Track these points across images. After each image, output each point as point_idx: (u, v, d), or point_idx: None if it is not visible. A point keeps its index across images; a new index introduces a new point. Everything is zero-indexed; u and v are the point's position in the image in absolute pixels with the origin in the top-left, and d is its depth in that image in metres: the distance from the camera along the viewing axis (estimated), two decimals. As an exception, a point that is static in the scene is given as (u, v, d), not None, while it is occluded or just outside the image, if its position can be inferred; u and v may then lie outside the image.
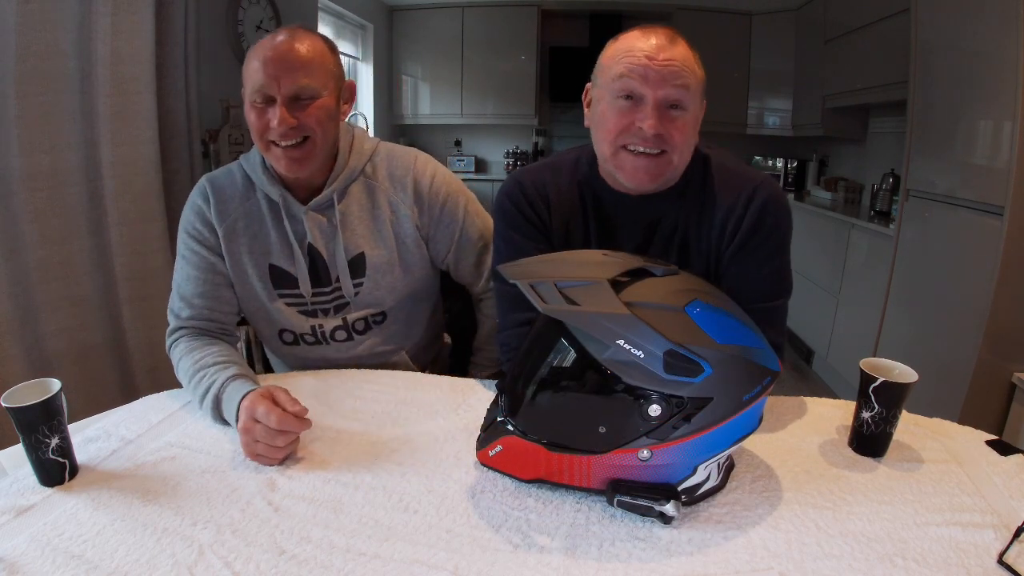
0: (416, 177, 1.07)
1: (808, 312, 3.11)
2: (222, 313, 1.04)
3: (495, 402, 0.75)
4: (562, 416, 0.69)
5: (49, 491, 0.70)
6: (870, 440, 0.79)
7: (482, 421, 0.76)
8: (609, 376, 0.64)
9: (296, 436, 0.78)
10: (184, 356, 0.95)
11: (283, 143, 0.94)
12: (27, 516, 0.66)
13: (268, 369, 1.28)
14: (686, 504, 0.68)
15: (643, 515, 0.66)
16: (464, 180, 1.15)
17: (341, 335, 1.09)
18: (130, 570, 0.58)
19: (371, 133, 1.13)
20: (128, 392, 1.79)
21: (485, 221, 1.13)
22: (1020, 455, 0.79)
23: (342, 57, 1.14)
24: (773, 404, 0.92)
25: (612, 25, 4.55)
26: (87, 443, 0.80)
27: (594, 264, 0.69)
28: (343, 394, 0.96)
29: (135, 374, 1.82)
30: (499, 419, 0.72)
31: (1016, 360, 1.73)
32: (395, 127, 4.97)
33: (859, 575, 0.58)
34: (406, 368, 1.14)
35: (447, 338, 1.34)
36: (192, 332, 1.01)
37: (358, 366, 1.09)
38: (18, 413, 0.68)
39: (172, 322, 1.03)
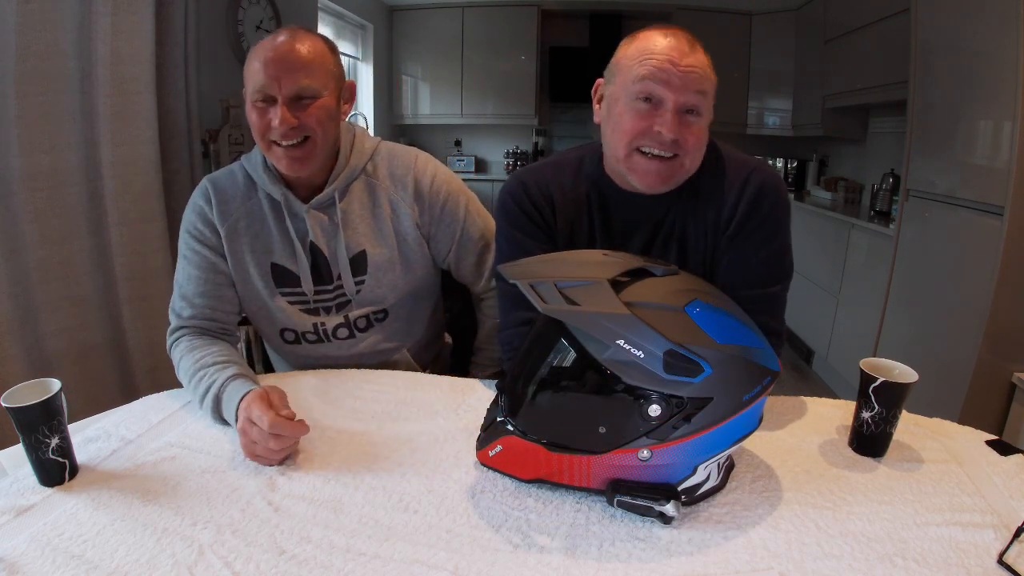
0: (417, 176, 1.07)
1: (808, 312, 3.11)
2: (223, 313, 1.04)
3: (495, 402, 0.75)
4: (562, 416, 0.69)
5: (49, 491, 0.70)
6: (870, 440, 0.79)
7: (482, 421, 0.76)
8: (609, 376, 0.64)
9: (293, 439, 0.78)
10: (185, 355, 0.95)
11: (284, 143, 0.95)
12: (27, 516, 0.66)
13: (268, 369, 1.28)
14: (686, 504, 0.68)
15: (643, 515, 0.66)
16: (464, 180, 1.16)
17: (343, 333, 1.09)
18: (130, 570, 0.58)
19: (371, 133, 1.13)
20: (128, 392, 1.79)
21: (486, 220, 1.14)
22: (1020, 455, 0.79)
23: (342, 57, 1.14)
24: (773, 404, 0.92)
25: (612, 25, 4.55)
26: (87, 443, 0.80)
27: (594, 264, 0.69)
28: (343, 394, 0.96)
29: (135, 374, 1.82)
30: (499, 419, 0.72)
31: (1016, 360, 1.73)
32: (395, 127, 4.97)
33: (859, 575, 0.58)
34: (408, 366, 1.14)
35: (447, 338, 1.34)
36: (193, 332, 1.01)
37: (360, 364, 1.09)
38: (18, 413, 0.68)
39: (173, 321, 1.03)
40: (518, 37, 4.67)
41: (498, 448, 0.71)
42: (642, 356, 0.62)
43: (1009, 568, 0.58)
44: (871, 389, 0.77)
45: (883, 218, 2.73)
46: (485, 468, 0.75)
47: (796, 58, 4.06)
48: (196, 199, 1.05)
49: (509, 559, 0.61)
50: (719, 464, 0.69)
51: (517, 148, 5.03)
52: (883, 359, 0.80)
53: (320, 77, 0.95)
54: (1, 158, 1.48)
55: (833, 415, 0.90)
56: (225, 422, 0.86)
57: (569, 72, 4.69)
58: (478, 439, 0.75)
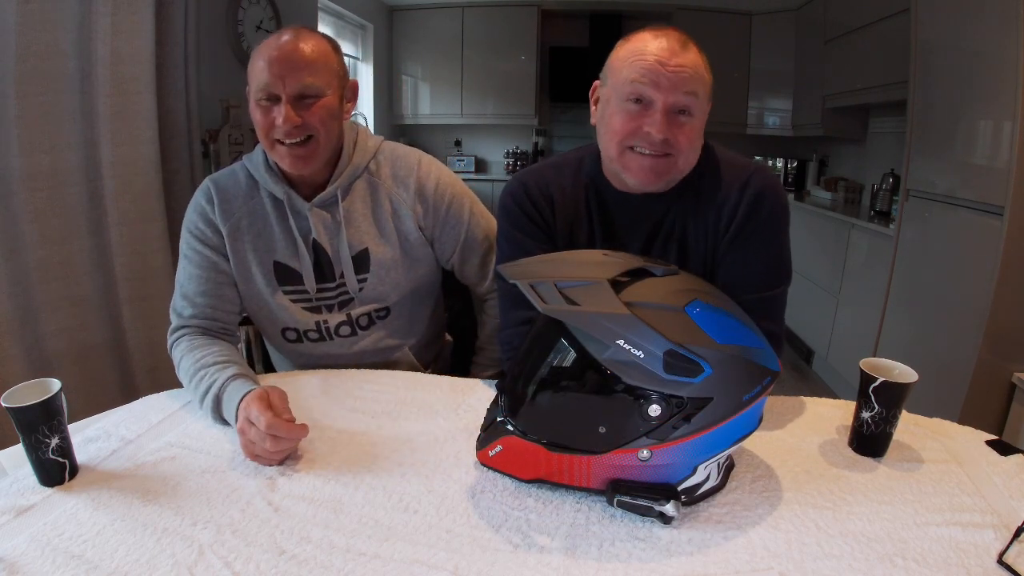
0: (420, 179, 1.08)
1: (808, 312, 3.11)
2: (224, 312, 1.04)
3: (495, 402, 0.75)
4: (562, 416, 0.69)
5: (49, 491, 0.70)
6: (870, 440, 0.79)
7: (482, 421, 0.76)
8: (609, 376, 0.64)
9: (291, 441, 0.78)
10: (185, 355, 0.95)
11: (288, 141, 0.95)
12: (27, 516, 0.66)
13: (268, 368, 1.28)
14: (686, 504, 0.68)
15: (643, 515, 0.66)
16: (464, 180, 1.16)
17: (345, 331, 1.10)
18: (130, 570, 0.58)
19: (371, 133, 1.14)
20: (128, 392, 1.79)
21: (489, 222, 1.14)
22: (1020, 455, 0.79)
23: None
24: (773, 404, 0.92)
25: (612, 25, 4.55)
26: (87, 443, 0.80)
27: (594, 264, 0.69)
28: (343, 394, 0.96)
29: (135, 374, 1.82)
30: (499, 419, 0.72)
31: (1016, 360, 1.73)
32: (395, 127, 4.97)
33: (859, 575, 0.58)
34: (409, 365, 1.15)
35: (448, 337, 1.34)
36: (194, 331, 1.01)
37: (361, 362, 1.10)
38: (18, 413, 0.68)
39: (174, 321, 1.03)
40: (518, 37, 4.67)
41: (498, 448, 0.71)
42: (642, 356, 0.62)
43: (1009, 568, 0.58)
44: (871, 389, 0.77)
45: (883, 218, 2.73)
46: (485, 468, 0.75)
47: (796, 58, 4.06)
48: (198, 199, 1.05)
49: (509, 559, 0.61)
50: (719, 464, 0.69)
51: (517, 148, 5.03)
52: (883, 359, 0.80)
53: (324, 76, 0.96)
54: (1, 158, 1.48)
55: (833, 415, 0.90)
56: (225, 422, 0.86)
57: (569, 72, 4.70)
58: (478, 439, 0.75)
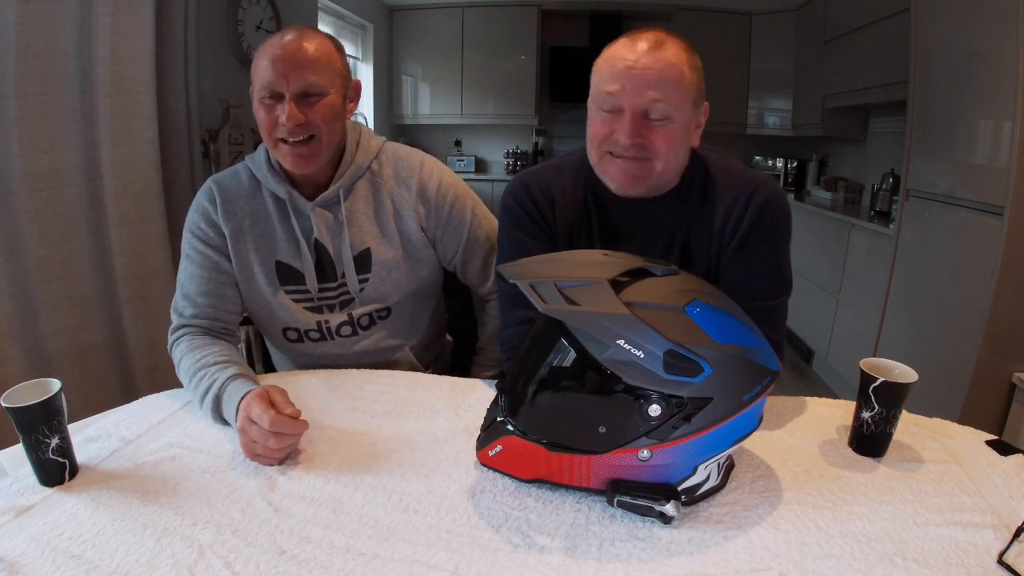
0: (423, 180, 1.08)
1: (808, 312, 3.11)
2: (225, 312, 1.04)
3: (495, 402, 0.75)
4: (562, 416, 0.69)
5: (49, 491, 0.70)
6: (870, 440, 0.79)
7: (482, 421, 0.76)
8: (609, 376, 0.64)
9: (293, 438, 0.78)
10: (186, 355, 0.95)
11: (291, 139, 0.95)
12: (27, 516, 0.66)
13: (268, 369, 1.29)
14: (686, 504, 0.68)
15: (643, 515, 0.66)
16: (464, 180, 1.16)
17: (346, 331, 1.10)
18: (130, 570, 0.58)
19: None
20: (128, 392, 1.80)
21: (491, 223, 1.14)
22: (1020, 455, 0.79)
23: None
24: (773, 404, 0.92)
25: (612, 25, 4.55)
26: (87, 443, 0.80)
27: (594, 264, 0.69)
28: (343, 394, 0.96)
29: (135, 374, 1.82)
30: (499, 419, 0.72)
31: (1016, 360, 1.73)
32: (395, 127, 4.97)
33: (859, 575, 0.58)
34: (410, 365, 1.15)
35: (448, 338, 1.34)
36: (195, 331, 1.01)
37: (362, 362, 1.10)
38: (18, 413, 0.68)
39: (175, 320, 1.03)
40: (518, 37, 4.66)
41: (498, 448, 0.71)
42: (642, 356, 0.62)
43: (1009, 568, 0.58)
44: (871, 389, 0.77)
45: (883, 218, 2.73)
46: (485, 468, 0.75)
47: (796, 58, 4.06)
48: (200, 199, 1.05)
49: (509, 559, 0.61)
50: (719, 464, 0.69)
51: (517, 148, 5.03)
52: (883, 359, 0.80)
53: (327, 75, 0.96)
54: (1, 158, 1.48)
55: (833, 415, 0.90)
56: (225, 422, 0.86)
57: (569, 72, 4.69)
58: (478, 439, 0.75)
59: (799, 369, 3.24)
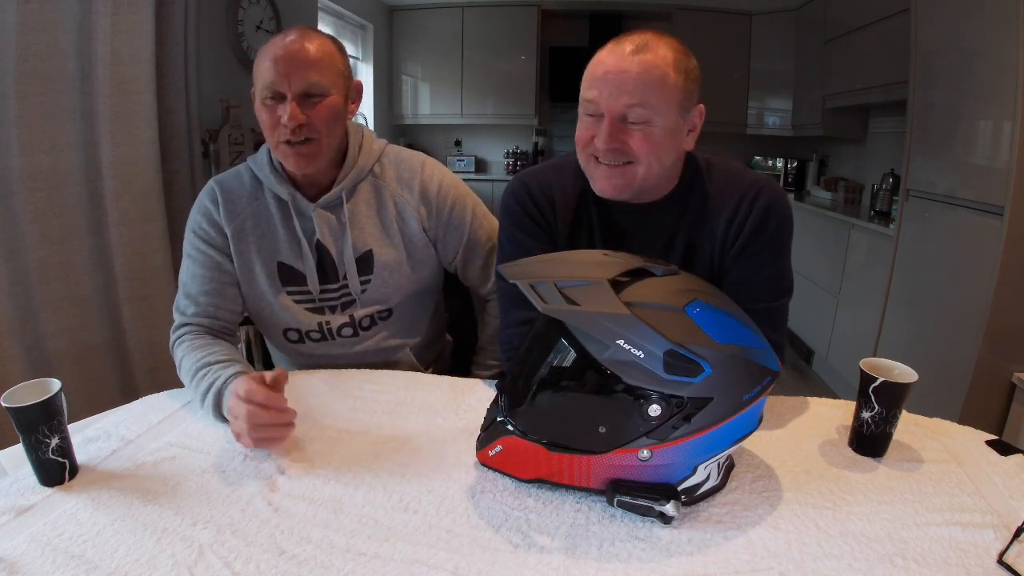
0: (424, 181, 1.09)
1: (808, 312, 3.11)
2: (227, 311, 1.05)
3: (495, 402, 0.75)
4: (562, 416, 0.69)
5: (49, 491, 0.70)
6: (870, 440, 0.79)
7: (482, 421, 0.76)
8: (609, 376, 0.64)
9: (282, 420, 0.78)
10: (187, 354, 0.96)
11: (293, 139, 0.95)
12: (27, 516, 0.66)
13: (268, 368, 1.28)
14: (686, 504, 0.68)
15: (643, 515, 0.66)
16: (464, 180, 1.17)
17: (347, 332, 1.10)
18: (130, 570, 0.58)
19: (371, 134, 1.14)
20: (128, 392, 1.80)
21: (492, 224, 1.15)
22: (1020, 455, 0.79)
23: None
24: (773, 404, 0.92)
25: (612, 25, 4.55)
26: (87, 443, 0.80)
27: (594, 264, 0.69)
28: (343, 394, 0.96)
29: (135, 374, 1.82)
30: (499, 419, 0.72)
31: (1016, 360, 1.73)
32: (395, 127, 4.97)
33: (859, 575, 0.58)
34: (410, 365, 1.15)
35: (448, 338, 1.35)
36: (196, 330, 1.01)
37: (363, 362, 1.10)
38: (18, 413, 0.68)
39: (177, 319, 1.04)
40: (518, 37, 4.66)
41: (498, 448, 0.71)
42: (642, 356, 0.62)
43: (1009, 568, 0.58)
44: (871, 389, 0.77)
45: (883, 218, 2.73)
46: (485, 468, 0.75)
47: (796, 58, 4.06)
48: (203, 200, 1.06)
49: (509, 559, 0.61)
50: (719, 464, 0.69)
51: (517, 148, 5.03)
52: (883, 359, 0.80)
53: (329, 75, 0.96)
54: (1, 158, 1.48)
55: (833, 415, 0.90)
56: (225, 420, 0.86)
57: (569, 72, 4.67)
58: (478, 439, 0.75)
59: (799, 369, 3.24)
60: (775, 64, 4.25)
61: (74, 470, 0.73)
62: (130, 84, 1.71)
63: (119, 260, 1.74)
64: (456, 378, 1.03)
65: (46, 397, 0.69)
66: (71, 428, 0.74)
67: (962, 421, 0.89)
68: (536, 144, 5.00)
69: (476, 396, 0.96)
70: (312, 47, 0.95)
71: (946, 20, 1.97)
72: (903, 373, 0.79)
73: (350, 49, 4.34)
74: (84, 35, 1.60)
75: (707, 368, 0.63)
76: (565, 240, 0.97)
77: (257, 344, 1.31)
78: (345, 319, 1.09)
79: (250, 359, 1.30)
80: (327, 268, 1.07)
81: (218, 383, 0.87)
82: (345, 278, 1.07)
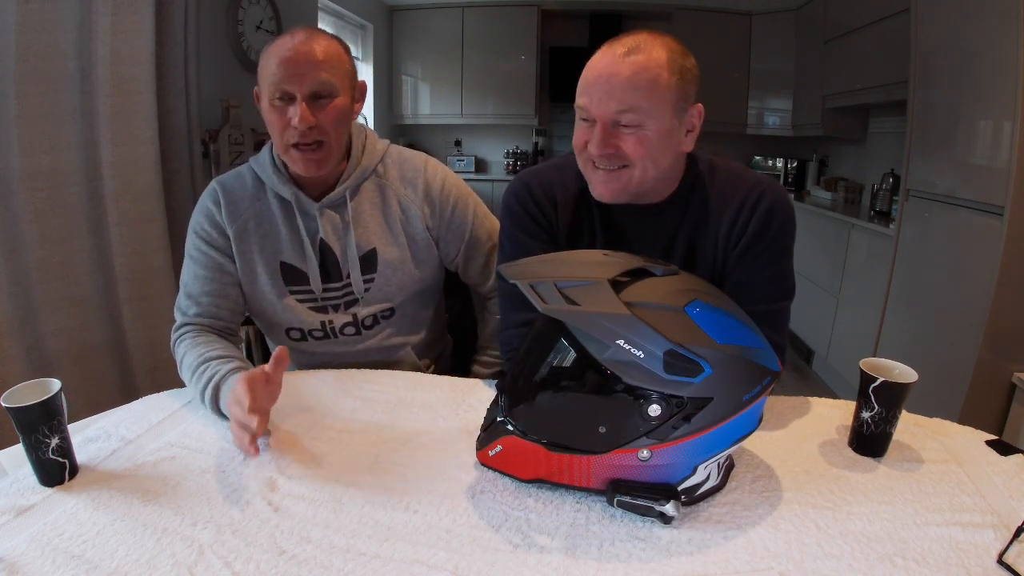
0: (427, 180, 1.09)
1: (808, 312, 3.11)
2: (228, 311, 1.05)
3: (495, 402, 0.75)
4: (562, 416, 0.69)
5: (49, 491, 0.70)
6: (870, 440, 0.79)
7: (482, 421, 0.76)
8: (609, 376, 0.64)
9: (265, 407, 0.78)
10: (189, 351, 0.96)
11: (303, 143, 0.96)
12: (27, 516, 0.66)
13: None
14: (686, 504, 0.68)
15: (643, 515, 0.66)
16: (464, 180, 1.17)
17: (350, 330, 1.10)
18: (130, 570, 0.58)
19: (371, 134, 1.14)
20: (128, 392, 1.80)
21: (493, 223, 1.16)
22: (1020, 455, 0.79)
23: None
24: (773, 404, 0.92)
25: (612, 25, 4.55)
26: (87, 443, 0.80)
27: (594, 264, 0.69)
28: (343, 394, 0.96)
29: (135, 374, 1.82)
30: (499, 419, 0.72)
31: (1016, 360, 1.73)
32: (395, 127, 4.97)
33: (859, 575, 0.58)
34: (411, 364, 1.15)
35: (449, 337, 1.35)
36: (197, 329, 1.02)
37: (364, 361, 1.11)
38: (18, 413, 0.68)
39: (178, 318, 1.04)
40: (518, 37, 4.66)
41: (498, 448, 0.71)
42: (642, 356, 0.62)
43: (1009, 568, 0.58)
44: (871, 389, 0.77)
45: (883, 218, 2.73)
46: (485, 468, 0.75)
47: (796, 58, 4.06)
48: (205, 201, 1.06)
49: (509, 559, 0.61)
50: (719, 464, 0.69)
51: (517, 148, 5.03)
52: (883, 359, 0.80)
53: (338, 75, 0.97)
54: (1, 158, 1.48)
55: (833, 415, 0.90)
56: (223, 415, 0.86)
57: (569, 72, 4.60)
58: (478, 439, 0.75)
59: (799, 369, 3.24)
60: (775, 64, 4.25)
61: (74, 470, 0.73)
62: (130, 84, 1.71)
63: (119, 260, 1.74)
64: (456, 378, 1.03)
65: (46, 397, 0.69)
66: (71, 428, 0.74)
67: (962, 421, 0.89)
68: (536, 144, 5.00)
69: (476, 396, 0.96)
70: (321, 48, 0.95)
71: (946, 20, 1.97)
72: (903, 373, 0.79)
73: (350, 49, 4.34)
74: (84, 35, 1.60)
75: (707, 368, 0.63)
76: (566, 240, 0.97)
77: (257, 344, 1.31)
78: (348, 318, 1.09)
79: (250, 359, 1.30)
80: (330, 267, 1.07)
81: (216, 377, 0.87)
82: (348, 277, 1.07)
